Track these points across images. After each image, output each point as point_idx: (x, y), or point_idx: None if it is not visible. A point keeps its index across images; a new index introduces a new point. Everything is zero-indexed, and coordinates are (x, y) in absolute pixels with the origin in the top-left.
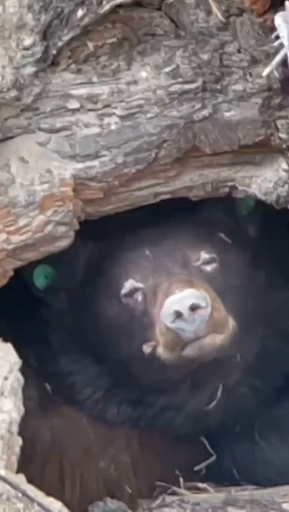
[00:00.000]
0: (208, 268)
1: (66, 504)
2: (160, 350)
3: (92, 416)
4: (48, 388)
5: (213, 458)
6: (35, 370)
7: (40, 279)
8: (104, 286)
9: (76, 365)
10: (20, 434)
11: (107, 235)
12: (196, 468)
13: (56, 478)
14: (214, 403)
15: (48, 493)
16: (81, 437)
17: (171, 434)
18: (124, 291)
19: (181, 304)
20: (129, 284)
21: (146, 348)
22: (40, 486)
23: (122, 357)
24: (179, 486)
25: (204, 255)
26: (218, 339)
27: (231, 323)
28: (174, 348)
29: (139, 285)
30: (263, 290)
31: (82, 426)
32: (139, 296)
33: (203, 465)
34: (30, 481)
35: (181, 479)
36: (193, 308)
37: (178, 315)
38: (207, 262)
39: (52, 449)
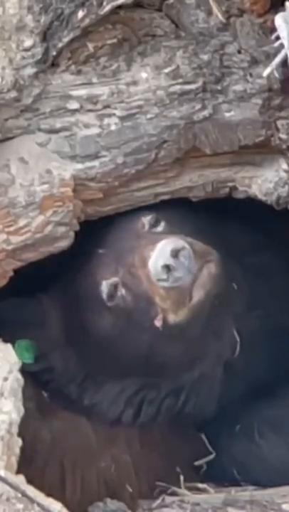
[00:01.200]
0: (160, 228)
1: (67, 504)
2: (171, 317)
3: (95, 419)
4: (45, 395)
5: (213, 455)
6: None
7: (25, 356)
8: (87, 310)
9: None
10: (20, 435)
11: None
12: (196, 463)
13: (57, 479)
14: (238, 348)
15: (49, 494)
16: (81, 438)
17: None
18: (104, 296)
19: (163, 257)
20: (104, 287)
21: (158, 322)
22: (40, 487)
23: (140, 356)
24: (180, 485)
25: (148, 219)
26: (212, 267)
27: (212, 250)
28: (183, 303)
29: (114, 280)
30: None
31: (82, 427)
32: (122, 290)
33: (203, 461)
34: (30, 481)
35: (181, 477)
36: (174, 253)
37: (168, 269)
38: (154, 224)
39: (52, 450)
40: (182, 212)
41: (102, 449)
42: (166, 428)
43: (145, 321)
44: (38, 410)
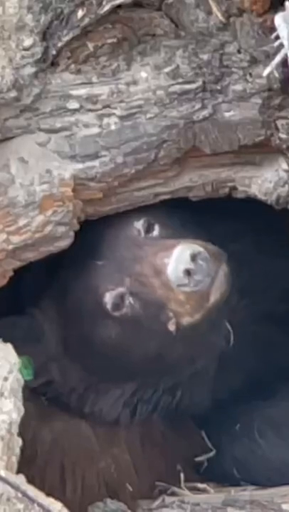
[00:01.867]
0: (156, 232)
1: (67, 505)
2: (186, 320)
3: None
4: (43, 400)
5: (213, 453)
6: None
7: (24, 372)
8: (88, 321)
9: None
10: (20, 435)
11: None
12: (197, 459)
13: (57, 479)
14: (231, 339)
15: (49, 494)
16: (81, 438)
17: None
18: (109, 306)
19: (183, 263)
20: (108, 298)
21: (172, 326)
22: (41, 487)
23: (146, 358)
24: (181, 484)
25: (141, 224)
26: (225, 268)
27: (222, 250)
28: (201, 305)
29: (120, 290)
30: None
31: (82, 427)
32: (129, 299)
33: (203, 458)
34: (31, 481)
35: (182, 474)
36: (193, 257)
37: (188, 273)
38: (148, 229)
39: (53, 450)
40: (168, 211)
41: (102, 449)
42: (166, 426)
43: (155, 326)
44: (38, 411)
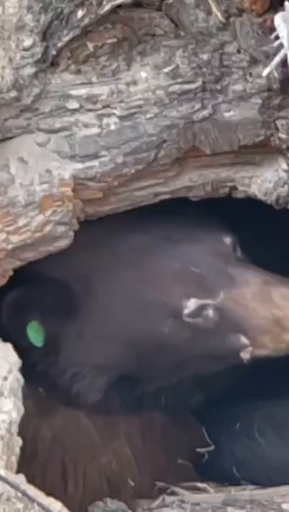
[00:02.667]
0: (238, 253)
1: (69, 501)
2: (264, 351)
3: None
4: (41, 391)
5: (212, 447)
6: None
7: (36, 338)
8: (141, 314)
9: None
10: (21, 433)
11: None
12: (198, 450)
13: (59, 476)
14: None
15: (51, 491)
16: (81, 433)
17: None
18: (188, 311)
19: None
20: (192, 303)
21: (245, 355)
22: (42, 485)
23: (171, 363)
24: (182, 477)
25: (230, 241)
26: None
27: None
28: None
29: (207, 301)
30: None
31: (81, 421)
32: (210, 311)
33: (203, 450)
34: (32, 480)
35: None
36: None
37: None
38: (234, 249)
39: (53, 447)
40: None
41: (102, 443)
42: (166, 420)
43: (223, 347)
44: (37, 408)
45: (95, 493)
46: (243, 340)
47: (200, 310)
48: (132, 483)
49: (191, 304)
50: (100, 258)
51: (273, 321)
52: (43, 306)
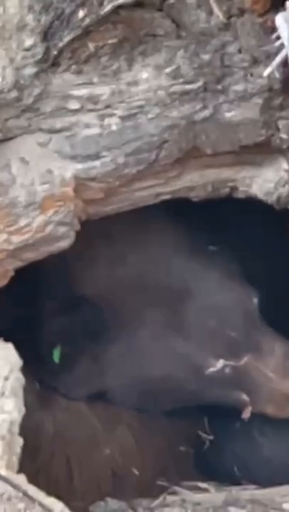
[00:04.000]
0: (255, 300)
1: (75, 495)
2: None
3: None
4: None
5: (211, 437)
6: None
7: (56, 354)
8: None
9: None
10: (24, 429)
11: None
12: (200, 433)
13: (63, 470)
14: None
15: (57, 485)
16: (84, 426)
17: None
18: (213, 369)
19: None
20: (220, 364)
21: (246, 414)
22: (47, 480)
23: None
24: (184, 466)
25: (256, 300)
26: None
27: None
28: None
29: (232, 363)
30: None
31: (83, 412)
32: (227, 369)
33: (205, 436)
34: (37, 475)
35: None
36: None
37: None
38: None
39: (56, 442)
40: None
41: (105, 434)
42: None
43: (225, 399)
44: (39, 402)
45: (100, 486)
46: (245, 398)
47: (223, 368)
48: (137, 473)
49: (219, 364)
50: (135, 293)
51: (284, 396)
52: (77, 333)
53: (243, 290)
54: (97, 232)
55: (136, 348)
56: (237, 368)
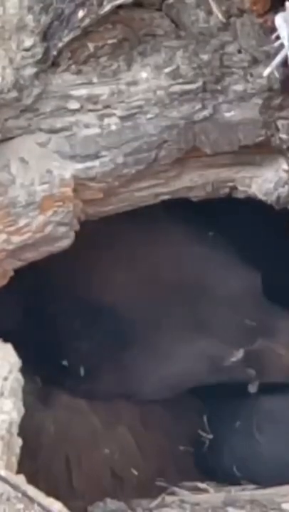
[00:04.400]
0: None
1: (75, 495)
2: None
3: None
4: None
5: (211, 436)
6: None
7: None
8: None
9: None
10: (25, 428)
11: None
12: (200, 432)
13: (63, 470)
14: None
15: (56, 485)
16: (84, 425)
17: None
18: (234, 359)
19: None
20: (240, 353)
21: (252, 388)
22: (47, 479)
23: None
24: (184, 466)
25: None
26: None
27: None
28: None
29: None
30: None
31: (83, 410)
32: (241, 355)
33: (205, 435)
34: (36, 474)
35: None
36: None
37: None
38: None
39: (57, 441)
40: None
41: (105, 432)
42: (165, 408)
43: (234, 376)
44: (39, 401)
45: (99, 486)
46: (252, 371)
47: (239, 360)
48: (136, 473)
49: (239, 354)
50: (148, 293)
51: None
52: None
53: (249, 275)
54: (101, 233)
55: (159, 349)
56: (250, 351)
